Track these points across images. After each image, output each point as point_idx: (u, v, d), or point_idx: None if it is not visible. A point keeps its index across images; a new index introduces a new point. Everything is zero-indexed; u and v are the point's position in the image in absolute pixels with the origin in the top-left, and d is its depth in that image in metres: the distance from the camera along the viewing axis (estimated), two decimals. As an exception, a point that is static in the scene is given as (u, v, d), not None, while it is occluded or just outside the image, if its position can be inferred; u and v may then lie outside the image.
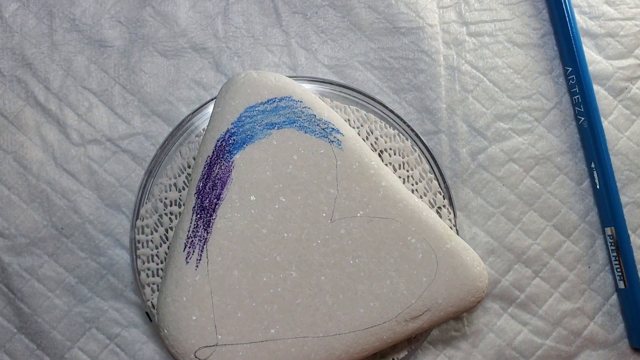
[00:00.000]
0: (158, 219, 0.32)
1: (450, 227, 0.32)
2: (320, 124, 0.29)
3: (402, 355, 0.31)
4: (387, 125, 0.33)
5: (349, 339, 0.29)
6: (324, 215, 0.29)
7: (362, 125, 0.32)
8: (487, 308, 0.35)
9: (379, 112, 0.33)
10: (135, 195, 0.34)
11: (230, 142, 0.29)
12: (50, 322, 0.33)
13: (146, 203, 0.32)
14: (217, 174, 0.29)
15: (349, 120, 0.32)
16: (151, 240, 0.32)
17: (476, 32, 0.36)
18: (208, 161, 0.29)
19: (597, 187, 0.35)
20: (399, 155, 0.33)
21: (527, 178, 0.35)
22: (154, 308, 0.31)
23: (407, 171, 0.33)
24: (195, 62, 0.35)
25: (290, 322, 0.29)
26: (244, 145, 0.29)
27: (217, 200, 0.29)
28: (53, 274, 0.33)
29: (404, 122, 0.33)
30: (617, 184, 0.35)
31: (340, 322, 0.29)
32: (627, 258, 0.34)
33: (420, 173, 0.33)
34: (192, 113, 0.33)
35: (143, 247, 0.32)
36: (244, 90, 0.29)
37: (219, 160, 0.29)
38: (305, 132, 0.29)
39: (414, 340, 0.32)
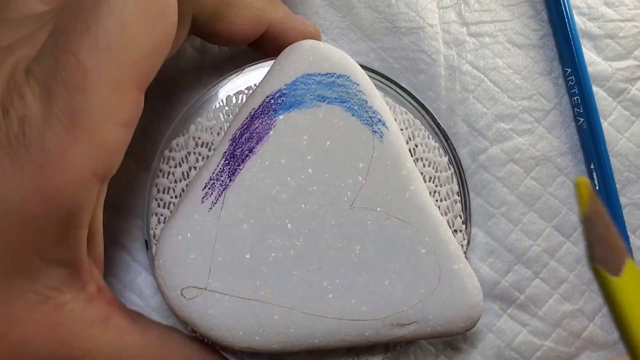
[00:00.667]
0: (186, 155, 0.32)
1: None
2: (369, 112, 0.30)
3: (375, 359, 0.31)
4: (430, 136, 0.32)
5: (332, 324, 0.29)
6: (345, 199, 0.29)
7: (406, 129, 0.32)
8: (487, 309, 0.35)
9: (427, 121, 0.33)
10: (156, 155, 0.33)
11: (279, 101, 0.29)
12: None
13: (179, 137, 0.32)
14: (257, 128, 0.29)
15: (395, 119, 0.32)
16: (172, 173, 0.31)
17: (476, 33, 0.36)
18: (252, 113, 0.29)
19: (597, 188, 0.35)
20: (433, 169, 0.32)
21: (528, 179, 0.35)
22: (154, 239, 0.31)
23: (436, 186, 0.32)
24: (195, 62, 0.35)
25: (282, 290, 0.29)
26: (291, 109, 0.29)
27: (249, 153, 0.29)
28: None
29: (447, 140, 0.33)
30: (617, 185, 0.35)
31: (329, 306, 0.29)
32: (626, 259, 0.34)
33: (447, 192, 0.32)
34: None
35: (163, 177, 0.32)
36: (306, 57, 0.30)
37: (262, 116, 0.29)
38: (353, 115, 0.29)
39: (391, 348, 0.31)
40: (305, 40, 0.30)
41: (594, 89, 0.36)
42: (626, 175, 0.36)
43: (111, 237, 0.33)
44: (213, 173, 0.29)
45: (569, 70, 0.36)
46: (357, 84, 0.30)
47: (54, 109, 0.23)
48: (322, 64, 0.30)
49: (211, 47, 0.35)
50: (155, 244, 0.30)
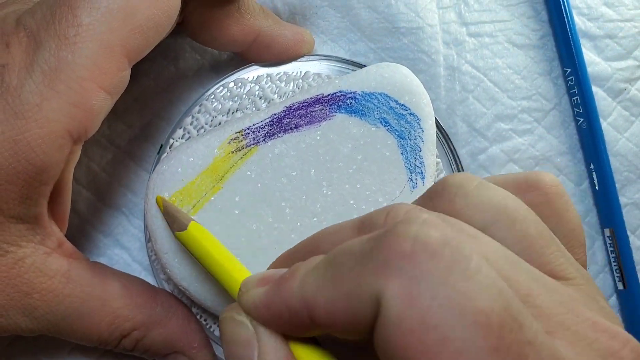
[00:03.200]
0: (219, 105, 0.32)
1: None
2: (417, 160, 0.30)
3: None
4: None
5: None
6: (354, 216, 0.29)
7: (437, 176, 0.32)
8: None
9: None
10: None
11: (347, 102, 0.30)
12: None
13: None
14: (315, 111, 0.30)
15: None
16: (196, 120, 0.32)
17: (476, 33, 0.36)
18: (318, 97, 0.30)
19: (596, 188, 0.35)
20: None
21: (527, 179, 0.35)
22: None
23: None
24: (195, 62, 0.35)
25: (253, 257, 0.29)
26: (353, 114, 0.30)
27: (295, 128, 0.30)
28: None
29: (447, 140, 0.33)
30: (616, 185, 0.35)
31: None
32: (626, 259, 0.34)
33: None
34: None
35: (191, 124, 0.32)
36: (395, 80, 0.30)
37: (325, 104, 0.30)
38: (402, 154, 0.30)
39: None
40: (404, 67, 0.31)
41: (594, 89, 0.36)
42: (626, 175, 0.36)
43: (111, 237, 0.33)
44: (253, 125, 0.30)
45: (569, 70, 0.36)
46: (422, 130, 0.30)
47: (38, 59, 0.23)
48: (405, 94, 0.30)
49: (211, 49, 0.35)
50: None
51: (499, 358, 0.15)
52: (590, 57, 0.36)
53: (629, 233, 0.35)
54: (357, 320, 0.17)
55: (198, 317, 0.31)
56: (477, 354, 0.15)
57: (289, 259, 0.22)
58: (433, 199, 0.20)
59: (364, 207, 0.29)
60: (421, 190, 0.30)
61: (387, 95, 0.30)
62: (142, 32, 0.25)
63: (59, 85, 0.23)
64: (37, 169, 0.24)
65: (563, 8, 0.36)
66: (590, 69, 0.36)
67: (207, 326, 0.31)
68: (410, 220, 0.17)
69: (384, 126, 0.30)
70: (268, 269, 0.22)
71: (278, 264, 0.23)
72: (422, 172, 0.30)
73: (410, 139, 0.30)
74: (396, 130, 0.30)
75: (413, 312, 0.15)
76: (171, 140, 0.32)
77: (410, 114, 0.30)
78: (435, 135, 0.31)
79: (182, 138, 0.32)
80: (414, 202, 0.21)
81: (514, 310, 0.16)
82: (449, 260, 0.16)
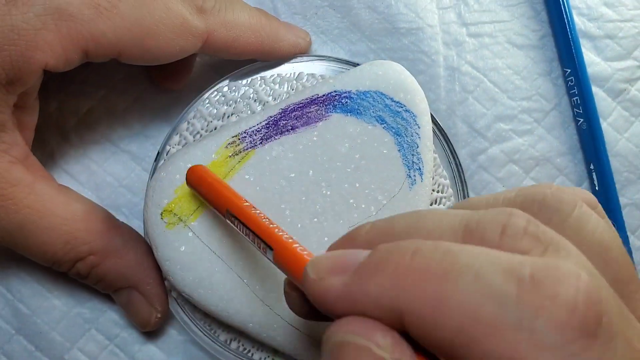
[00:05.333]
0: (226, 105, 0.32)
1: None
2: (415, 157, 0.30)
3: None
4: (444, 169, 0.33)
5: (276, 319, 0.29)
6: (348, 220, 0.30)
7: (435, 172, 0.32)
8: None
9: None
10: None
11: (342, 101, 0.30)
12: (50, 323, 0.33)
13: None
14: (310, 112, 0.30)
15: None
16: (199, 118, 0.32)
17: (476, 33, 0.36)
18: (313, 97, 0.30)
19: (596, 188, 0.35)
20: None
21: (527, 179, 0.35)
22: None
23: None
24: (194, 63, 0.35)
25: (245, 264, 0.29)
26: (349, 113, 0.30)
27: (291, 130, 0.30)
28: (52, 275, 0.33)
29: (447, 140, 0.33)
30: (616, 185, 0.35)
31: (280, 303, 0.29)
32: (626, 259, 0.34)
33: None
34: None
35: (187, 130, 0.32)
36: (389, 78, 0.30)
37: (321, 105, 0.30)
38: (399, 150, 0.30)
39: None
40: (397, 64, 0.31)
41: (594, 89, 0.36)
42: (626, 175, 0.36)
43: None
44: (249, 128, 0.30)
45: (569, 70, 0.36)
46: (419, 127, 0.30)
47: None
48: (399, 92, 0.30)
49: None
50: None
51: None
52: (590, 58, 0.36)
53: (629, 234, 0.35)
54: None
55: (202, 323, 0.31)
56: None
57: (370, 239, 0.19)
58: (538, 214, 0.18)
59: (363, 206, 0.29)
60: (420, 186, 0.30)
61: (382, 93, 0.30)
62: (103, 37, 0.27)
63: (56, 21, 0.26)
64: (8, 75, 0.25)
65: (563, 8, 0.36)
66: (590, 70, 0.36)
67: (212, 331, 0.31)
68: (563, 278, 0.15)
69: (380, 124, 0.30)
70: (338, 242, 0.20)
71: (350, 240, 0.19)
72: (420, 169, 0.30)
73: (407, 136, 0.30)
74: (392, 127, 0.30)
75: None
76: (168, 147, 0.32)
77: (406, 110, 0.30)
78: (431, 131, 0.31)
79: (178, 144, 0.32)
80: (512, 195, 0.19)
81: None
82: (602, 340, 0.14)
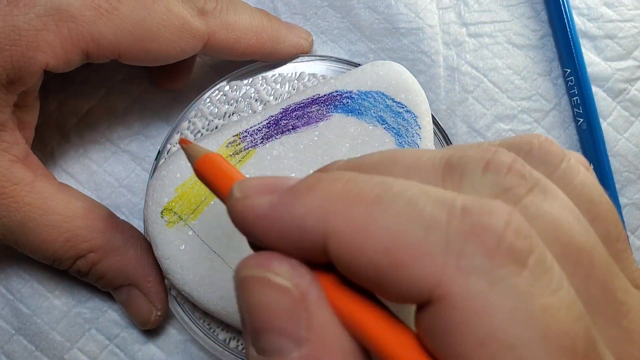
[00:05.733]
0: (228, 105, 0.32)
1: None
2: None
3: None
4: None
5: None
6: None
7: None
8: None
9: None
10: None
11: (344, 101, 0.30)
12: (50, 323, 0.33)
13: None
14: (312, 112, 0.30)
15: None
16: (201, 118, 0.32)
17: (476, 33, 0.36)
18: (314, 97, 0.30)
19: (596, 188, 0.35)
20: None
21: (527, 179, 0.35)
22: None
23: None
24: (195, 63, 0.35)
25: None
26: (350, 114, 0.30)
27: (292, 129, 0.30)
28: (52, 275, 0.33)
29: (447, 140, 0.33)
30: (616, 185, 0.35)
31: None
32: (626, 259, 0.34)
33: None
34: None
35: (188, 129, 0.32)
36: (390, 79, 0.30)
37: (322, 105, 0.30)
38: None
39: None
40: (398, 65, 0.31)
41: (594, 89, 0.36)
42: (625, 175, 0.36)
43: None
44: (250, 128, 0.30)
45: (569, 70, 0.36)
46: (420, 128, 0.30)
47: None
48: (400, 92, 0.30)
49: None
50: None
51: None
52: (590, 58, 0.36)
53: (629, 234, 0.35)
54: (392, 287, 0.14)
55: (202, 322, 0.31)
56: None
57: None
58: (524, 154, 0.17)
59: None
60: None
61: (383, 94, 0.30)
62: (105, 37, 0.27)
63: (57, 22, 0.26)
64: (8, 75, 0.26)
65: (563, 8, 0.36)
66: (590, 69, 0.36)
67: (211, 330, 0.31)
68: (501, 207, 0.14)
69: (381, 124, 0.30)
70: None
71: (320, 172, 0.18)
72: None
73: (407, 137, 0.30)
74: (393, 128, 0.30)
75: (485, 322, 0.13)
76: (168, 146, 0.32)
77: (407, 111, 0.30)
78: (432, 132, 0.31)
79: (179, 143, 0.32)
80: (496, 143, 0.18)
81: (592, 334, 0.14)
82: (533, 270, 0.14)
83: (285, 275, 0.15)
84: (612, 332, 0.15)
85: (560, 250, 0.15)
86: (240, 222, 0.17)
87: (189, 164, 0.29)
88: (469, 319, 0.13)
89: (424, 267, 0.14)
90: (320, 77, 0.32)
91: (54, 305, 0.33)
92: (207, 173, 0.20)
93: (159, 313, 0.31)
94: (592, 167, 0.35)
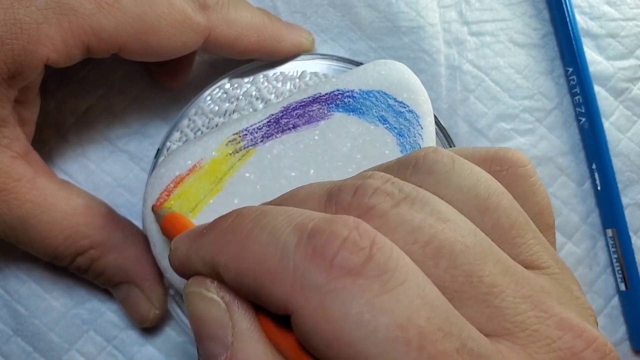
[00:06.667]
0: (229, 103, 0.32)
1: None
2: None
3: None
4: None
5: None
6: None
7: None
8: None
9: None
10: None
11: (345, 100, 0.30)
12: (48, 324, 0.33)
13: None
14: (312, 111, 0.29)
15: None
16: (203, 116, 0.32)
17: (477, 32, 0.36)
18: (316, 96, 0.30)
19: (598, 188, 0.35)
20: None
21: (529, 179, 0.35)
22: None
23: None
24: (194, 62, 0.35)
25: None
26: (351, 113, 0.30)
27: (292, 128, 0.29)
28: (50, 275, 0.33)
29: (448, 140, 0.33)
30: (619, 185, 0.35)
31: None
32: (628, 260, 0.34)
33: None
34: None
35: (188, 126, 0.32)
36: (392, 78, 0.30)
37: (323, 103, 0.30)
38: (401, 151, 0.30)
39: None
40: (400, 64, 0.30)
41: (596, 88, 0.36)
42: (628, 175, 0.36)
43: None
44: (250, 126, 0.29)
45: (571, 69, 0.35)
46: (422, 128, 0.30)
47: None
48: (402, 92, 0.30)
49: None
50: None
51: None
52: (592, 57, 0.36)
53: (631, 234, 0.35)
54: (265, 304, 0.17)
55: None
56: None
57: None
58: (411, 170, 0.20)
59: None
60: None
61: (385, 93, 0.30)
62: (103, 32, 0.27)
63: (58, 15, 0.26)
64: (10, 70, 0.25)
65: (565, 7, 0.35)
66: (592, 68, 0.36)
67: None
68: (345, 225, 0.16)
69: (383, 124, 0.30)
70: None
71: None
72: None
73: (409, 137, 0.30)
74: (395, 128, 0.30)
75: (326, 328, 0.16)
76: (168, 143, 0.31)
77: (409, 111, 0.30)
78: (434, 132, 0.30)
79: (179, 141, 0.31)
80: (391, 164, 0.21)
81: (438, 319, 0.16)
82: (368, 275, 0.16)
83: (213, 290, 0.19)
84: (485, 311, 0.17)
85: (421, 250, 0.17)
86: (174, 269, 0.20)
87: (188, 162, 0.29)
88: (314, 327, 0.16)
89: (278, 289, 0.16)
90: (322, 76, 0.32)
91: (52, 306, 0.33)
92: (168, 228, 0.25)
93: (157, 311, 0.31)
94: (594, 166, 0.35)
